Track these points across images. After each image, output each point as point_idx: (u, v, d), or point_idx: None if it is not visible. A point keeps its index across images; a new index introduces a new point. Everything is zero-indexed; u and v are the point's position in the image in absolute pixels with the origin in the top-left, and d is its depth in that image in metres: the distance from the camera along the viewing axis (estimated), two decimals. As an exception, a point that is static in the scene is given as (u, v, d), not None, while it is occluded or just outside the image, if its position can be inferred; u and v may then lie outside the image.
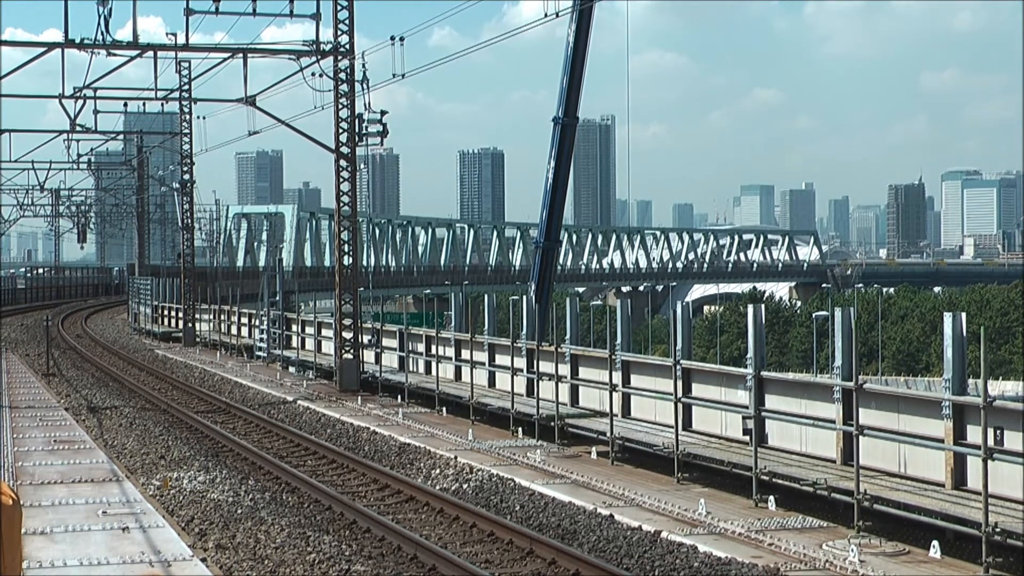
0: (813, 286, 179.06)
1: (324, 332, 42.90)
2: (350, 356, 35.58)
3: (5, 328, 63.60)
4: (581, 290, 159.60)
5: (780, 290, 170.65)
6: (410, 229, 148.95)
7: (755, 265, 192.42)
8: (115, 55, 34.37)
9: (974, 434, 15.65)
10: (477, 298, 64.42)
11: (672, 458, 20.13)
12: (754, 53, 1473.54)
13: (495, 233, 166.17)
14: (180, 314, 59.60)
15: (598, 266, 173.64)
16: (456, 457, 22.70)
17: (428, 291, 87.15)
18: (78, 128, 45.71)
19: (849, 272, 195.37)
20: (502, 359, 29.34)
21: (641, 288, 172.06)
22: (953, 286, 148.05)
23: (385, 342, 36.49)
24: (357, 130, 35.90)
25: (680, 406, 20.90)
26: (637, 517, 17.19)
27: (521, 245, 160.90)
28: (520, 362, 27.78)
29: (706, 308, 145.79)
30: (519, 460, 22.29)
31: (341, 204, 36.43)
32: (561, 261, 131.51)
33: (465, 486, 20.53)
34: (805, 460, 18.76)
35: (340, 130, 35.85)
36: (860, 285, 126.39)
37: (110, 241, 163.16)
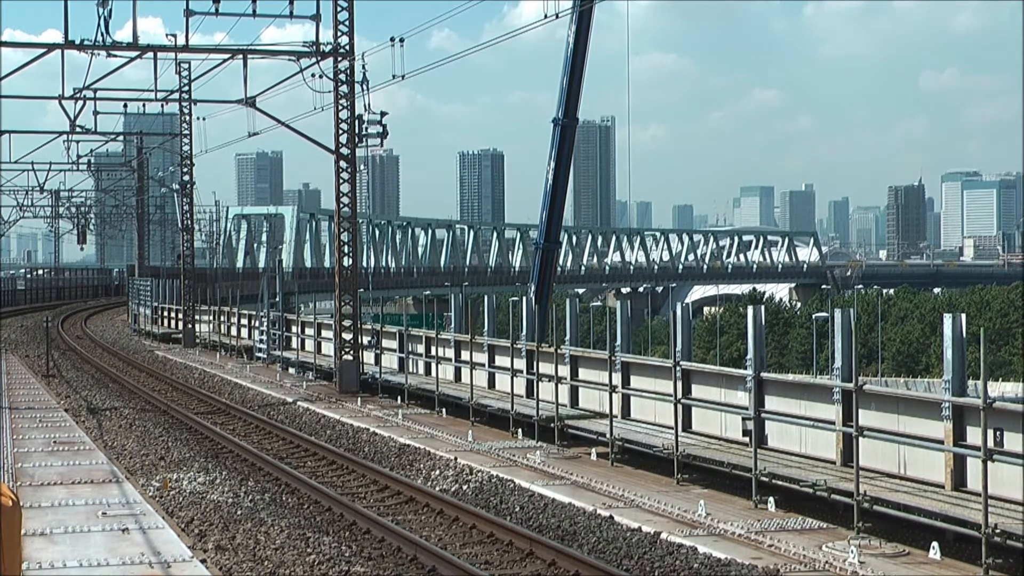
0: (813, 287, 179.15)
1: (324, 333, 42.91)
2: (350, 357, 35.58)
3: (5, 329, 63.60)
4: (581, 291, 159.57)
5: (780, 291, 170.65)
6: (410, 230, 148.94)
7: (755, 266, 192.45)
8: (115, 56, 34.36)
9: (974, 435, 15.65)
10: (477, 299, 64.44)
11: (672, 459, 20.13)
12: (754, 54, 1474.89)
13: (495, 234, 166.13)
14: (180, 315, 59.59)
15: (598, 267, 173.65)
16: (456, 458, 22.70)
17: (428, 292, 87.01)
18: (78, 129, 45.71)
19: (849, 273, 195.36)
20: (502, 360, 29.34)
21: (641, 289, 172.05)
22: (953, 287, 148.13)
23: (385, 343, 36.50)
24: (357, 131, 35.91)
25: (680, 407, 20.90)
26: (637, 518, 17.20)
27: (521, 246, 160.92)
28: (520, 363, 27.78)
29: (706, 309, 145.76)
30: (519, 461, 22.29)
31: (341, 205, 36.44)
32: (561, 262, 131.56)
33: (465, 487, 20.53)
34: (805, 461, 18.77)
35: (340, 131, 35.86)
36: (860, 286, 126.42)
37: (110, 242, 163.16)
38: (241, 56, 35.74)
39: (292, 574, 15.04)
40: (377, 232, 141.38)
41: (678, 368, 21.19)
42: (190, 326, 56.88)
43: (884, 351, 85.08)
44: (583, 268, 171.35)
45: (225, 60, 36.83)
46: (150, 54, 35.01)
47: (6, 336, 58.95)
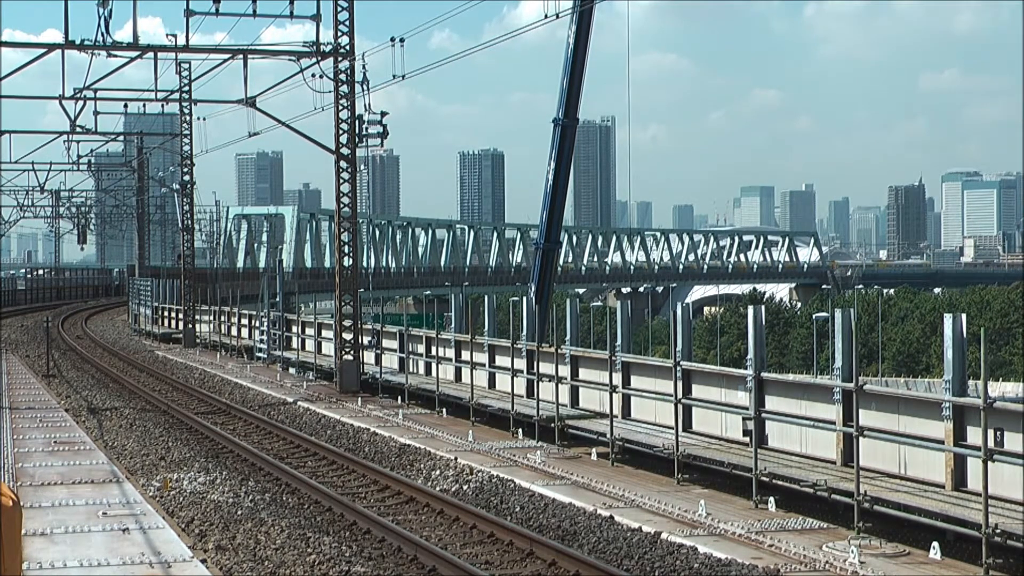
0: (813, 287, 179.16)
1: (324, 333, 42.92)
2: (350, 357, 35.58)
3: (5, 329, 63.62)
4: (581, 291, 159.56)
5: (780, 291, 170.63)
6: (410, 230, 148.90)
7: (755, 266, 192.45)
8: (115, 56, 34.36)
9: (974, 435, 15.65)
10: (477, 299, 64.41)
11: (672, 459, 20.13)
12: (754, 54, 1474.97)
13: (495, 234, 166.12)
14: (180, 315, 59.59)
15: (598, 267, 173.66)
16: (456, 458, 22.70)
17: (428, 292, 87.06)
18: (78, 129, 45.69)
19: (849, 273, 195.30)
20: (502, 360, 29.34)
21: (641, 289, 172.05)
22: (953, 287, 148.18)
23: (385, 343, 36.50)
24: (357, 131, 35.91)
25: (680, 407, 20.90)
26: (637, 518, 17.20)
27: (521, 246, 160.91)
28: (520, 363, 27.78)
29: (706, 309, 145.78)
30: (519, 461, 22.29)
31: (341, 205, 36.44)
32: (561, 262, 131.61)
33: (465, 487, 20.53)
34: (805, 461, 18.77)
35: (340, 131, 35.86)
36: (860, 286, 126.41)
37: (110, 242, 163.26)
38: (241, 56, 35.74)
39: (292, 574, 15.04)
40: (377, 232, 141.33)
41: (678, 368, 21.19)
42: (190, 326, 56.88)
43: (884, 351, 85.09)
44: (583, 268, 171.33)
45: (225, 60, 36.83)
46: (150, 54, 35.00)
47: (6, 336, 58.96)
